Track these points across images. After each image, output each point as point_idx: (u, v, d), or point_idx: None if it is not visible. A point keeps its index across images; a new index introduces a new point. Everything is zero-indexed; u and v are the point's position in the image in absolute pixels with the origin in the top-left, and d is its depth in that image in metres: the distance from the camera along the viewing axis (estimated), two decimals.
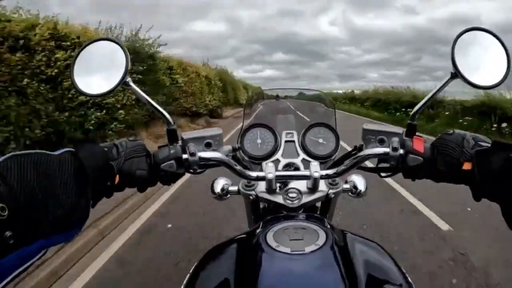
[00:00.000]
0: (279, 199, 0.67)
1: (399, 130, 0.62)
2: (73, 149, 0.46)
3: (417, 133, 0.60)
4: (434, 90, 0.59)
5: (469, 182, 0.53)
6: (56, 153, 0.43)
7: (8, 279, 0.36)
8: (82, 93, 0.57)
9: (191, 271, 0.54)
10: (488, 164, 0.49)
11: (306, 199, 0.67)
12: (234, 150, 0.70)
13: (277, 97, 1.20)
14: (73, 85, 0.57)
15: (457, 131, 0.57)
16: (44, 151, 0.41)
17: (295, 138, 0.80)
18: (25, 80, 3.62)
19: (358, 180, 0.74)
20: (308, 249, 0.46)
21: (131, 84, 0.58)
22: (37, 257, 0.39)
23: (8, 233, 0.33)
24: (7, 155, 0.37)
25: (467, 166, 0.53)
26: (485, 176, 0.50)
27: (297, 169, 0.75)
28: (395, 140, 0.60)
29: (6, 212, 0.33)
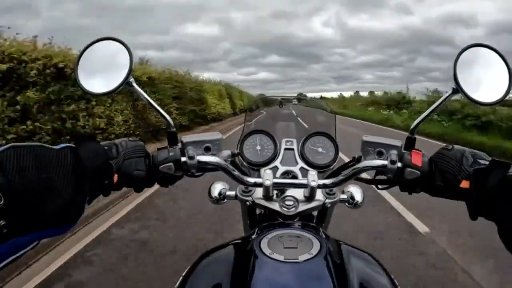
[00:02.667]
0: (275, 206, 0.67)
1: (398, 143, 0.62)
2: (73, 145, 0.46)
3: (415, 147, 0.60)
4: (434, 105, 0.60)
5: (466, 200, 0.53)
6: (56, 147, 0.44)
7: None
8: (85, 91, 0.58)
9: (183, 273, 0.54)
10: (486, 183, 0.49)
11: (302, 207, 0.67)
12: (233, 155, 0.70)
13: (280, 103, 1.20)
14: (77, 83, 0.58)
15: (456, 146, 0.57)
16: (44, 144, 0.42)
17: (295, 146, 0.80)
18: None
19: (356, 191, 0.74)
20: (301, 257, 0.46)
21: (134, 84, 0.58)
22: (29, 248, 0.39)
23: (2, 222, 0.34)
24: (7, 145, 0.38)
25: (464, 184, 0.53)
26: (482, 195, 0.50)
27: (295, 177, 0.75)
28: (394, 153, 0.60)
29: (2, 201, 0.34)
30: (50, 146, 0.43)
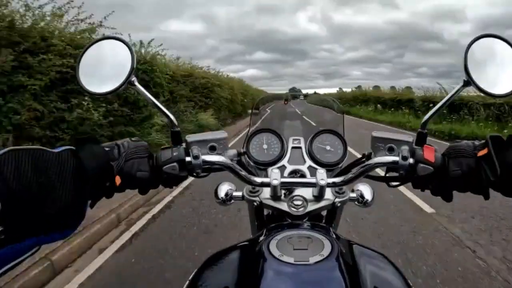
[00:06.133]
0: (283, 206, 0.65)
1: (409, 138, 0.60)
2: (73, 148, 0.45)
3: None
4: (446, 99, 0.58)
5: (486, 166, 0.51)
6: (56, 150, 0.43)
7: None
8: (87, 92, 0.57)
9: (191, 277, 0.52)
10: (505, 154, 0.49)
11: (311, 207, 0.65)
12: (240, 154, 0.69)
13: (286, 100, 1.18)
14: (78, 83, 0.57)
15: (465, 140, 0.57)
16: (43, 148, 0.41)
17: (302, 144, 0.79)
18: None
19: (365, 189, 0.72)
20: (312, 259, 0.45)
21: (136, 83, 0.57)
22: (29, 253, 0.39)
23: None
24: (5, 149, 0.37)
25: (482, 152, 0.52)
26: (503, 162, 0.48)
27: (303, 176, 0.73)
28: (405, 149, 0.58)
29: (0, 206, 0.33)
30: (49, 149, 0.42)
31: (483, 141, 0.54)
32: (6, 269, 0.36)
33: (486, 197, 0.53)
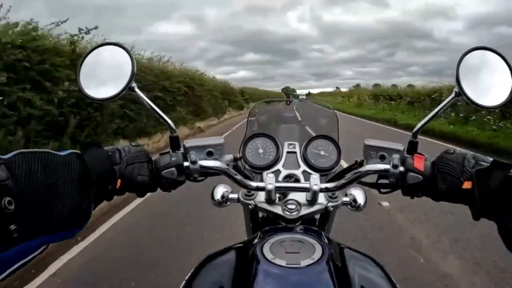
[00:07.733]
0: (278, 210, 0.67)
1: (401, 147, 0.62)
2: (78, 151, 0.47)
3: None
4: (437, 109, 0.59)
5: (468, 202, 0.53)
6: (62, 153, 0.44)
7: (8, 271, 0.37)
8: (88, 97, 0.58)
9: (187, 277, 0.54)
10: (488, 184, 0.49)
11: (305, 211, 0.67)
12: (236, 159, 0.70)
13: (287, 101, 1.19)
14: (79, 88, 0.58)
15: (458, 150, 0.58)
16: (50, 151, 0.42)
17: (297, 149, 0.80)
18: None
19: (358, 194, 0.74)
20: (303, 263, 0.46)
21: (136, 89, 0.58)
22: (38, 252, 0.40)
23: (12, 227, 0.34)
24: (15, 151, 0.38)
25: (467, 185, 0.53)
26: (485, 196, 0.50)
27: (297, 180, 0.74)
28: (396, 157, 0.60)
29: (13, 206, 0.34)
30: (56, 152, 0.43)
31: (472, 165, 0.54)
32: (17, 267, 0.37)
33: (475, 218, 0.53)
